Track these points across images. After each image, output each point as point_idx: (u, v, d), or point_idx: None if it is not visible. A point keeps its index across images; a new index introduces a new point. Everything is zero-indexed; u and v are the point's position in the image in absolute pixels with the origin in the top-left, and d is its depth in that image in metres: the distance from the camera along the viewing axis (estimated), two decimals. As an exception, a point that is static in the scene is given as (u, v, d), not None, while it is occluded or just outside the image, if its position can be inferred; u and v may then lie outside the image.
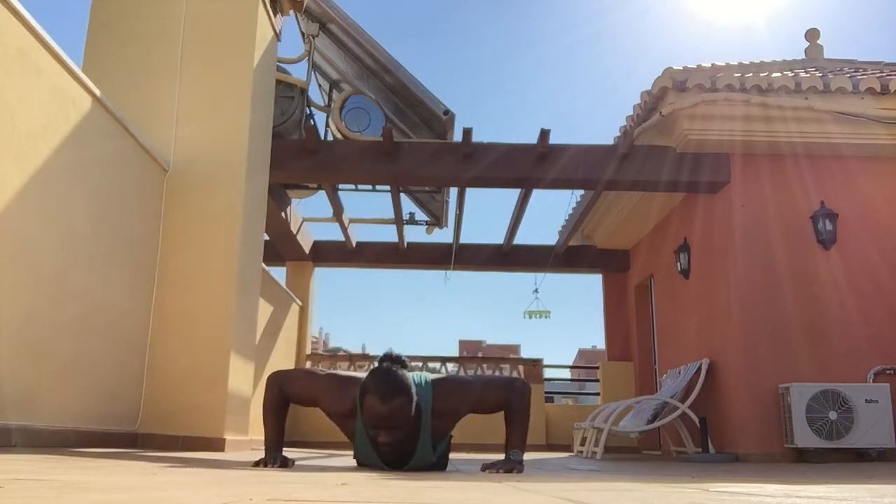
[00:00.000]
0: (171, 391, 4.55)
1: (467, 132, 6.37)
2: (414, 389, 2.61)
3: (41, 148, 3.45)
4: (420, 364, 9.81)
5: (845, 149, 6.36)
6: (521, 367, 9.90)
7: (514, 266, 10.10)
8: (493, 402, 2.87)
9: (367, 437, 2.70)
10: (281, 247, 9.02)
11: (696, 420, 6.33)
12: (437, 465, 2.91)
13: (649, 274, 8.95)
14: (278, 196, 7.44)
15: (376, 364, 2.74)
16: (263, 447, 2.88)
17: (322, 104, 7.75)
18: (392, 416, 2.52)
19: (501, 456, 2.82)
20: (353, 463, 3.03)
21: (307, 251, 9.50)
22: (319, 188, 7.90)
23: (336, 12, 6.94)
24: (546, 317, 10.47)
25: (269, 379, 2.90)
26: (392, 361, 2.72)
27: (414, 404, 2.60)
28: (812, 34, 8.06)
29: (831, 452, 5.65)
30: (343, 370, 9.45)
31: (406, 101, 7.33)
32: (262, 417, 2.90)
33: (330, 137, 7.19)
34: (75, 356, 3.78)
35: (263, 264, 5.98)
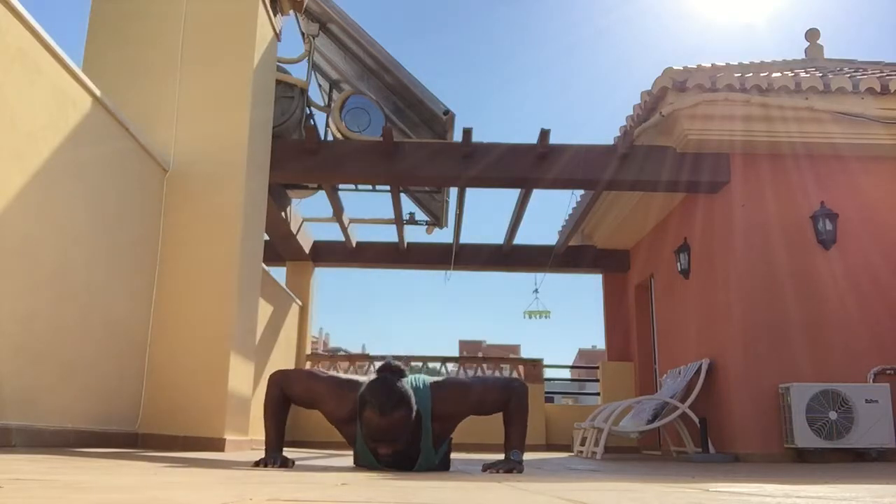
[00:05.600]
0: (171, 391, 4.55)
1: (467, 132, 6.37)
2: (413, 399, 2.57)
3: (41, 148, 3.45)
4: (420, 364, 9.81)
5: (845, 149, 6.36)
6: (521, 367, 9.89)
7: (514, 266, 10.10)
8: (491, 403, 2.86)
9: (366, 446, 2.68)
10: (281, 247, 9.02)
11: (696, 420, 6.33)
12: (439, 466, 2.91)
13: (649, 274, 8.95)
14: (278, 196, 7.44)
15: (375, 375, 2.68)
16: (264, 447, 2.88)
17: (322, 104, 7.74)
18: (392, 428, 2.49)
19: (501, 456, 2.82)
20: (353, 463, 3.03)
21: (307, 251, 9.50)
22: (319, 188, 7.90)
23: (336, 12, 6.94)
24: (546, 317, 10.46)
25: (270, 378, 2.90)
26: (391, 372, 2.65)
27: (414, 413, 2.56)
28: (812, 34, 8.06)
29: (831, 452, 5.65)
30: (343, 371, 9.52)
31: (406, 100, 7.33)
32: (262, 417, 2.90)
33: (330, 137, 7.18)
34: (75, 356, 3.78)
35: (263, 264, 5.98)
